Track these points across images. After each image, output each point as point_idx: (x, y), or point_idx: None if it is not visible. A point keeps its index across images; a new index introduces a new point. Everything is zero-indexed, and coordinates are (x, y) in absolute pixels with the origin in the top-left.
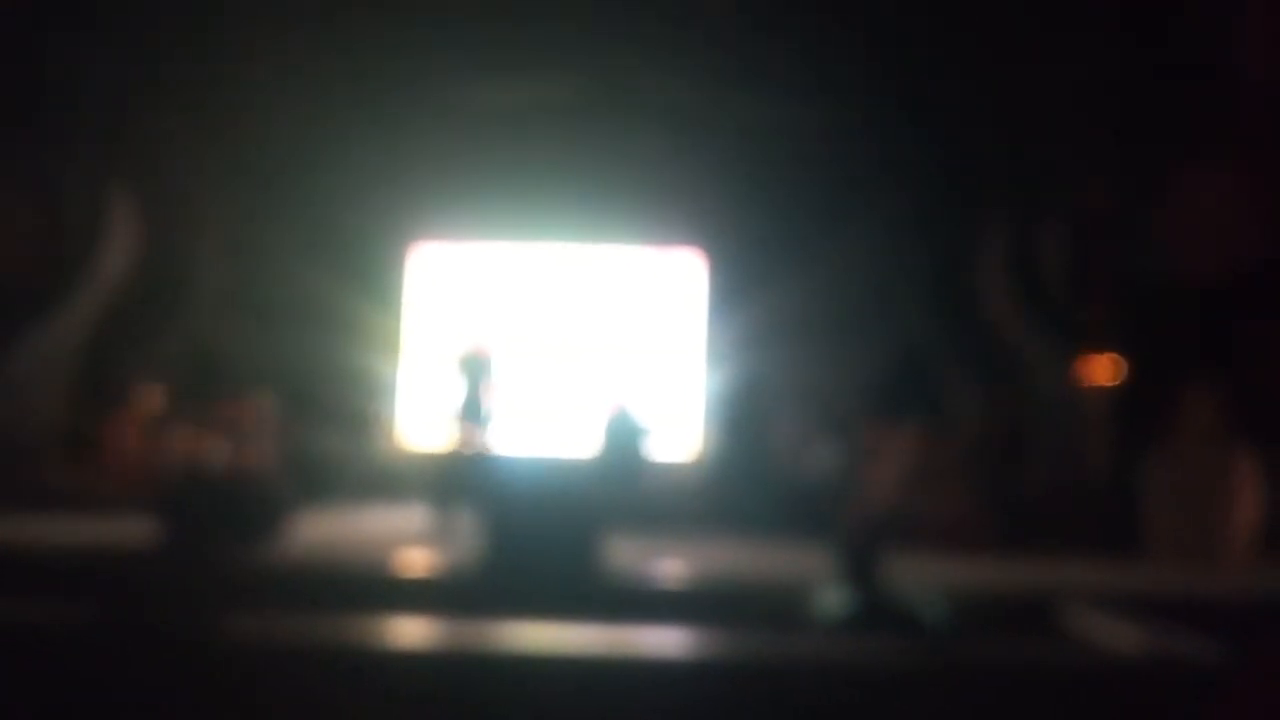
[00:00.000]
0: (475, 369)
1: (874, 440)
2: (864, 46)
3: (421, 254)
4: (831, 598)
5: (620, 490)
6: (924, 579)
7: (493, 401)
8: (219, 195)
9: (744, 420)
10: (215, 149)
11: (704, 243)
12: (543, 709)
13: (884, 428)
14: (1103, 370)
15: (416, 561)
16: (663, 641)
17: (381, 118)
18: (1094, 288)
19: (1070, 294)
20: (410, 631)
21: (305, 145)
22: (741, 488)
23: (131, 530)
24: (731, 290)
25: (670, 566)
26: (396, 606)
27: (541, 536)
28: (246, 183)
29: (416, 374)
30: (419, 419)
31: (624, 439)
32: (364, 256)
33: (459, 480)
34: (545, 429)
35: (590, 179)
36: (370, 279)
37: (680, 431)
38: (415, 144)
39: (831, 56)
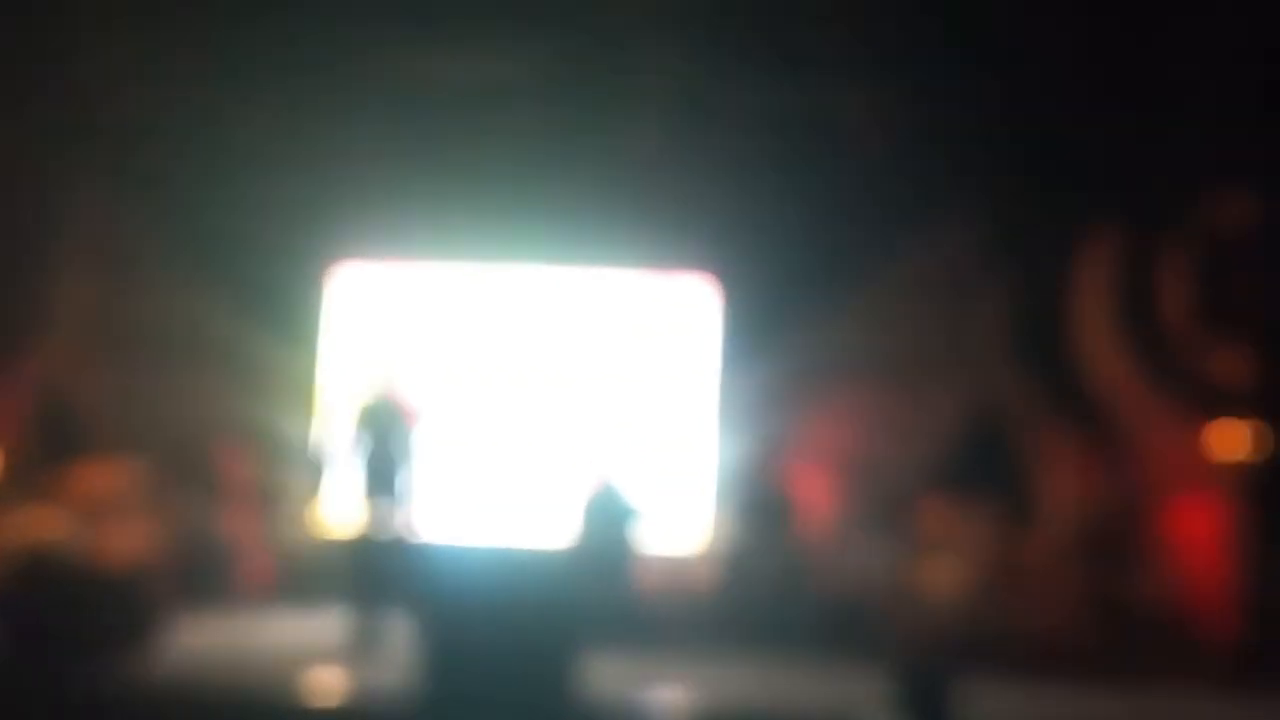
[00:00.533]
0: (384, 421)
1: (938, 529)
2: (924, 6)
3: (344, 277)
4: None
5: (603, 591)
6: (1008, 713)
7: (412, 467)
8: (81, 198)
9: (766, 501)
10: (77, 140)
11: (715, 266)
12: None
13: (951, 512)
14: (1239, 439)
15: (330, 685)
16: None
17: (294, 101)
18: (1229, 330)
19: (1198, 338)
20: None
21: (196, 136)
22: (763, 590)
23: None
24: (751, 329)
25: (669, 695)
26: None
27: (497, 653)
28: (117, 183)
29: (336, 432)
30: (340, 492)
31: (608, 523)
32: (270, 280)
33: (376, 577)
34: (502, 508)
35: (566, 182)
36: (278, 309)
37: (682, 514)
38: (337, 135)
39: (882, 20)
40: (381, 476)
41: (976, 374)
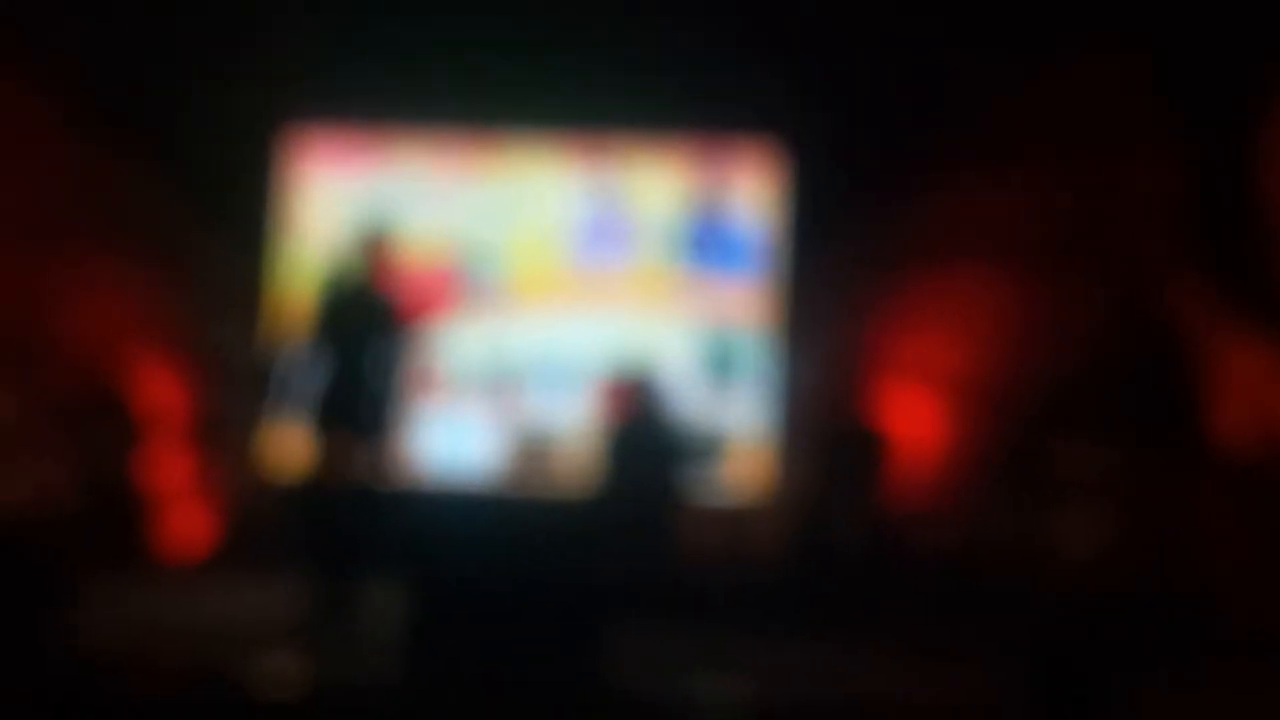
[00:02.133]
0: (360, 320)
1: (1079, 470)
2: None
3: (303, 148)
4: None
5: (637, 552)
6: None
7: (396, 386)
8: None
9: (848, 435)
10: None
11: (782, 128)
12: None
13: (1097, 448)
14: None
15: (285, 671)
16: None
17: None
18: None
19: None
20: None
21: None
22: (843, 551)
23: None
24: (829, 207)
25: (722, 685)
26: None
27: (500, 631)
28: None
29: (294, 341)
30: (299, 422)
31: (643, 464)
32: (206, 150)
33: (345, 534)
34: (507, 445)
35: (586, 24)
36: (216, 187)
37: (739, 453)
38: None
39: None
40: (352, 399)
41: (1131, 264)
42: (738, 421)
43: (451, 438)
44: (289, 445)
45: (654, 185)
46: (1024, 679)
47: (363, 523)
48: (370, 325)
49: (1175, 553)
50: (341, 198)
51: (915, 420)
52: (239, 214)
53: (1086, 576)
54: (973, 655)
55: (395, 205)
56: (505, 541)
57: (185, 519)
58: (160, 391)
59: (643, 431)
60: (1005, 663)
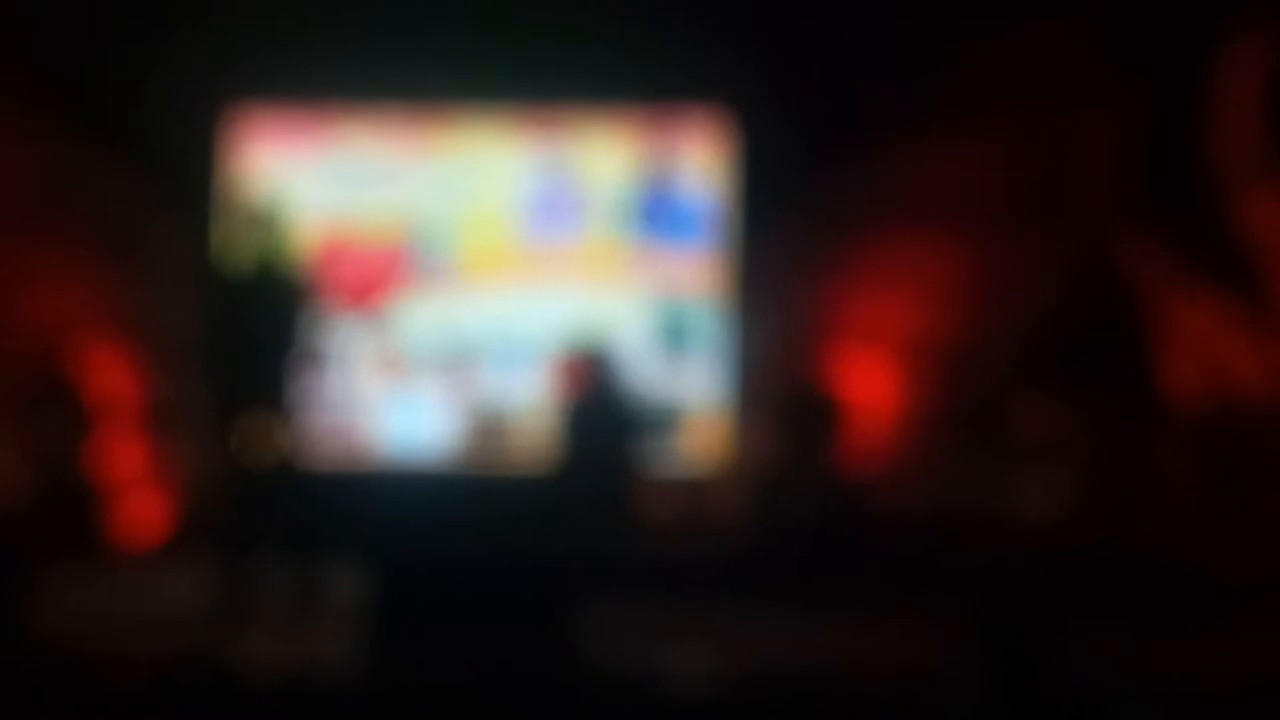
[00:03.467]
0: (277, 295)
1: (1035, 431)
2: None
3: (250, 129)
4: (969, 707)
5: (597, 525)
6: (1133, 671)
7: (312, 360)
8: None
9: (805, 401)
10: None
11: (729, 96)
12: None
13: (1052, 408)
14: None
15: (248, 657)
16: None
17: None
18: None
19: None
20: None
21: None
22: (803, 518)
23: None
24: (780, 171)
25: (686, 656)
26: None
27: (464, 610)
28: None
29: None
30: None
31: (600, 437)
32: (149, 130)
33: (297, 518)
34: (460, 422)
35: None
36: (161, 167)
37: (692, 424)
38: None
39: None
40: (264, 376)
41: (1084, 223)
42: (693, 392)
43: (407, 417)
44: (239, 429)
45: (602, 157)
46: (986, 642)
47: (312, 504)
48: (274, 302)
49: (1134, 509)
50: (288, 178)
51: (872, 385)
52: (186, 197)
53: (1047, 535)
54: (934, 620)
55: (343, 184)
56: (464, 520)
57: (139, 506)
58: (110, 378)
59: (599, 405)
60: (967, 626)
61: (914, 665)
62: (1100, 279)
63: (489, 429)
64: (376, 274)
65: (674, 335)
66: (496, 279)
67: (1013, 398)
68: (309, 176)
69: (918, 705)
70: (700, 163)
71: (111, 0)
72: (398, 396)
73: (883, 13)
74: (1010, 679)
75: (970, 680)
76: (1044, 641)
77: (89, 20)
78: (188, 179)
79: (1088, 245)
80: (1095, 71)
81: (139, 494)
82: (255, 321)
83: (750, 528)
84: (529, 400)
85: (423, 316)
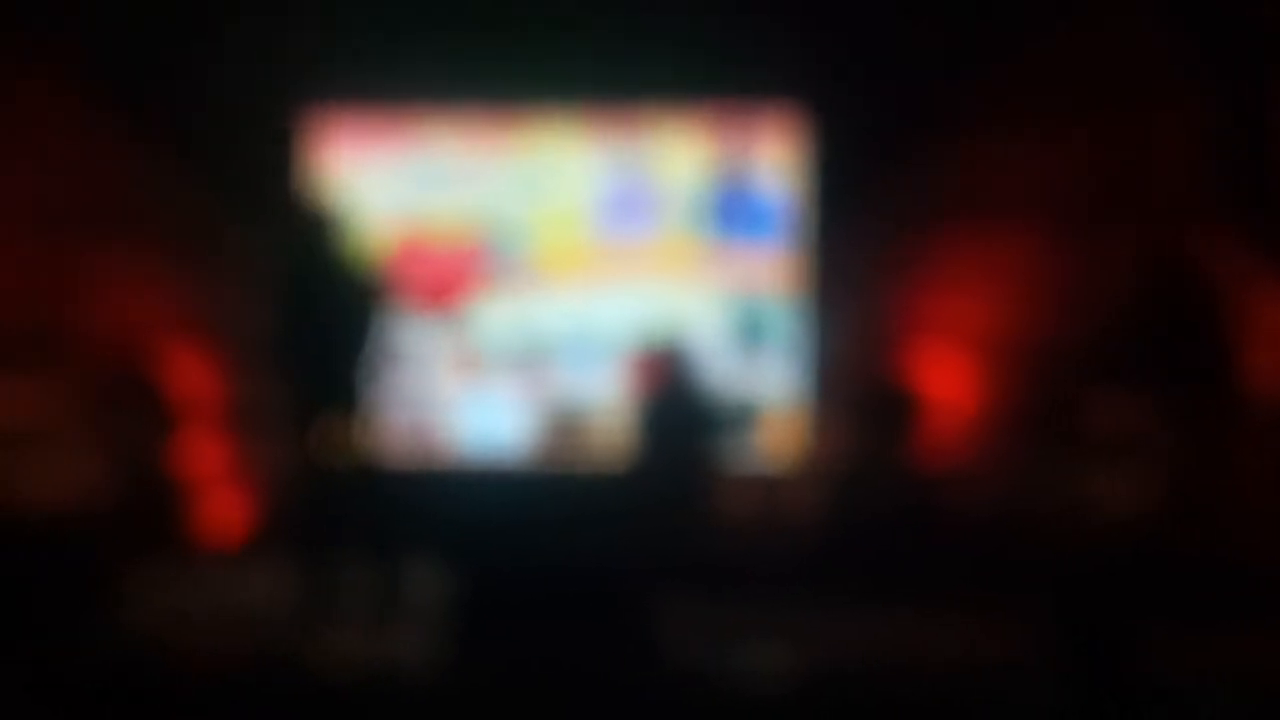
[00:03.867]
0: (353, 296)
1: (1112, 427)
2: None
3: (329, 130)
4: (1043, 704)
5: (673, 523)
6: (1209, 670)
7: (383, 361)
8: None
9: (880, 400)
10: None
11: (804, 92)
12: None
13: (1129, 404)
14: None
15: (330, 655)
16: None
17: None
18: None
19: None
20: None
21: None
22: (878, 515)
23: None
24: (856, 168)
25: (761, 652)
26: None
27: (543, 606)
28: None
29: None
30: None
31: (677, 432)
32: (228, 131)
33: (379, 516)
34: (538, 418)
35: None
36: (240, 169)
37: (769, 421)
38: None
39: None
40: (341, 375)
41: (1162, 218)
42: (769, 389)
43: (484, 415)
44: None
45: (677, 155)
46: (1061, 638)
47: (390, 502)
48: (352, 301)
49: (1212, 505)
50: (365, 178)
51: (948, 381)
52: (264, 198)
53: (1123, 532)
54: (1009, 616)
55: (419, 184)
56: (541, 517)
57: (221, 505)
58: (191, 378)
59: (674, 402)
60: (1043, 623)
61: (989, 662)
62: (1179, 273)
63: (565, 427)
64: (453, 273)
65: (750, 332)
66: (572, 277)
67: (1091, 393)
68: (385, 177)
69: (992, 702)
70: (775, 159)
71: (196, 5)
72: (474, 395)
73: (958, 6)
74: (1085, 676)
75: (1044, 677)
76: (1119, 638)
77: (168, 22)
78: (266, 180)
79: (1166, 239)
80: (1173, 63)
81: (220, 492)
82: (333, 321)
83: (826, 524)
84: (605, 398)
85: (499, 315)
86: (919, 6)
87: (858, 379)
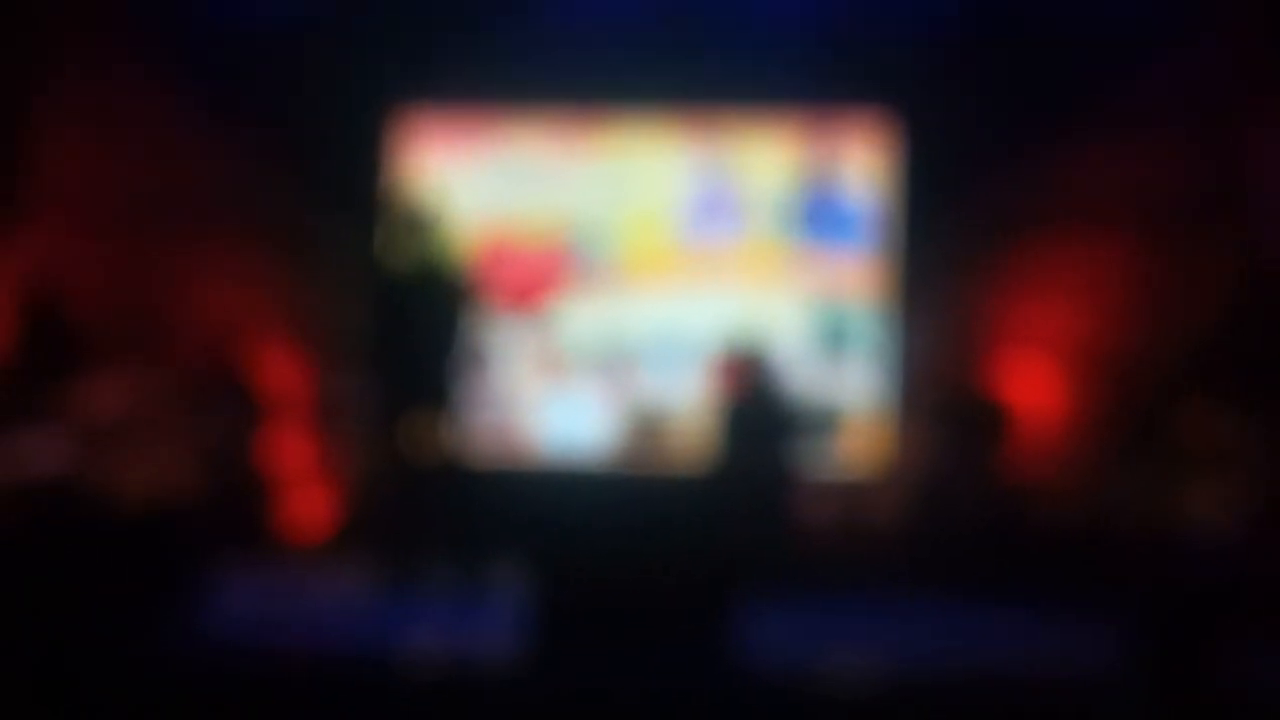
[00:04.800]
0: (446, 295)
1: (1204, 440)
2: None
3: (417, 130)
4: (1129, 710)
5: (756, 528)
6: None
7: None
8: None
9: (969, 406)
10: None
11: (892, 99)
12: None
13: (1222, 417)
14: None
15: (413, 652)
16: None
17: None
18: None
19: None
20: None
21: None
22: (965, 524)
23: None
24: (940, 176)
25: (845, 658)
26: None
27: (625, 608)
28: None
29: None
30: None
31: (760, 437)
32: (316, 132)
33: (465, 514)
34: (622, 420)
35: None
36: (327, 169)
37: (851, 427)
38: None
39: None
40: (431, 375)
41: (1256, 228)
42: (853, 395)
43: (567, 416)
44: (404, 427)
45: (764, 159)
46: (1149, 651)
47: (474, 501)
48: (439, 302)
49: None
50: (453, 179)
51: (1036, 390)
52: (354, 198)
53: (1214, 545)
54: (1096, 628)
55: (507, 185)
56: (624, 520)
57: (308, 501)
58: (280, 376)
59: (758, 407)
60: (1130, 635)
61: (1074, 672)
62: (1273, 286)
63: (648, 429)
64: (539, 275)
65: (834, 338)
66: (656, 280)
67: (1181, 405)
68: (474, 178)
69: (1078, 712)
70: (862, 165)
71: (281, 6)
72: (558, 396)
73: (1044, 14)
74: (1173, 688)
75: (1133, 688)
76: (1207, 651)
77: (260, 26)
78: (356, 180)
79: (1259, 250)
80: (1267, 77)
81: (307, 489)
82: (420, 321)
83: (911, 532)
84: (688, 401)
85: (583, 317)
86: (1004, 14)
87: (943, 387)
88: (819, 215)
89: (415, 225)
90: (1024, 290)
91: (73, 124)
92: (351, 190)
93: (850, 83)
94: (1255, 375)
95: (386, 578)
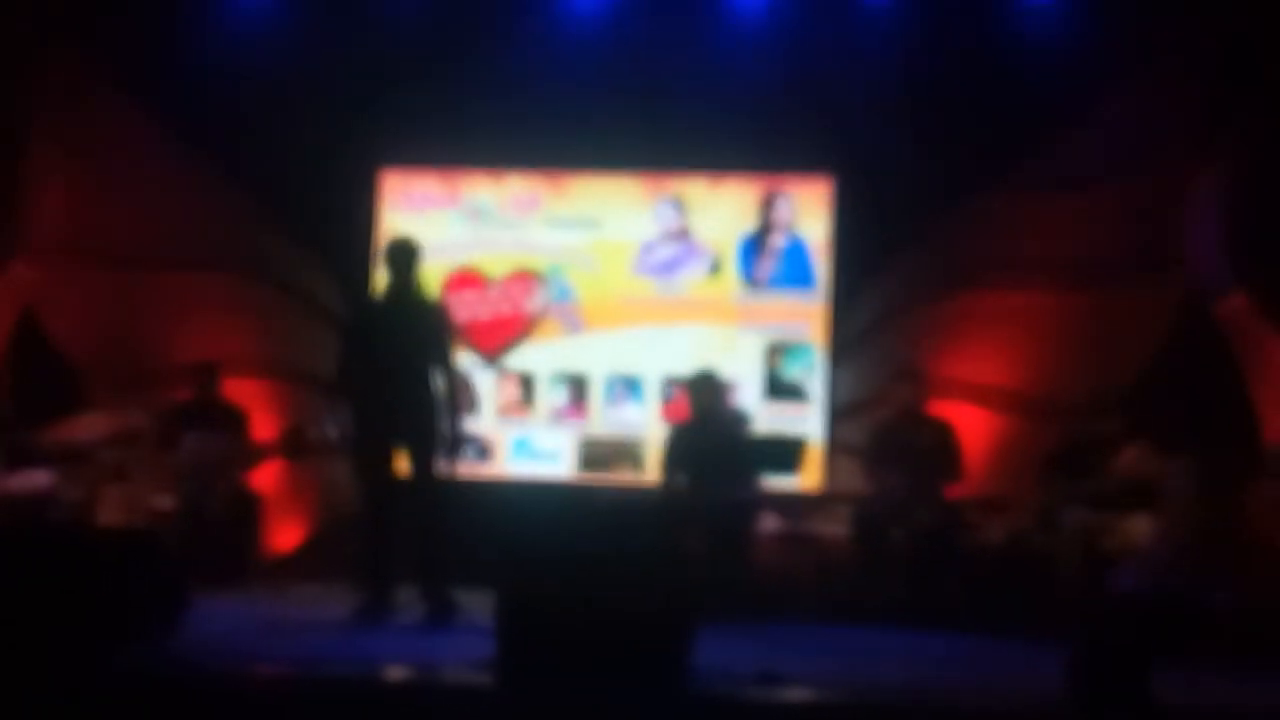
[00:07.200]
0: (417, 329)
1: (1134, 477)
2: None
3: (395, 188)
4: None
5: (710, 549)
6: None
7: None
8: (59, 84)
9: (898, 441)
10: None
11: (833, 163)
12: None
13: (1151, 455)
14: None
15: (383, 665)
16: None
17: None
18: None
19: None
20: None
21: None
22: (899, 548)
23: None
24: (882, 234)
25: (793, 677)
26: None
27: (586, 622)
28: (103, 71)
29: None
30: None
31: (714, 468)
32: (304, 188)
33: (434, 535)
34: (582, 453)
35: (654, 75)
36: (311, 222)
37: (800, 456)
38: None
39: None
40: (410, 409)
41: (1184, 276)
42: (799, 428)
43: (531, 449)
44: (380, 458)
45: (718, 213)
46: (1078, 674)
47: (454, 520)
48: (413, 340)
49: (1229, 554)
50: (428, 228)
51: (973, 430)
52: (340, 249)
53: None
54: (1029, 645)
55: (477, 233)
56: (585, 548)
57: (287, 526)
58: (262, 407)
59: (713, 439)
60: (1058, 653)
61: (1011, 686)
62: (1200, 332)
63: (608, 461)
64: (504, 315)
65: (783, 376)
66: (618, 321)
67: (1112, 447)
68: (445, 227)
69: None
70: (807, 222)
71: (287, 79)
72: (525, 429)
73: (972, 79)
74: (1109, 703)
75: (1065, 708)
76: (1134, 673)
77: (260, 96)
78: (338, 229)
79: (1190, 300)
80: (1191, 135)
81: (287, 514)
82: (394, 358)
83: (853, 557)
84: (646, 433)
85: (548, 356)
86: (934, 83)
87: (889, 427)
88: (767, 265)
89: (390, 269)
90: (956, 336)
91: (65, 169)
92: (334, 239)
93: (795, 150)
94: (1180, 415)
95: (357, 599)
